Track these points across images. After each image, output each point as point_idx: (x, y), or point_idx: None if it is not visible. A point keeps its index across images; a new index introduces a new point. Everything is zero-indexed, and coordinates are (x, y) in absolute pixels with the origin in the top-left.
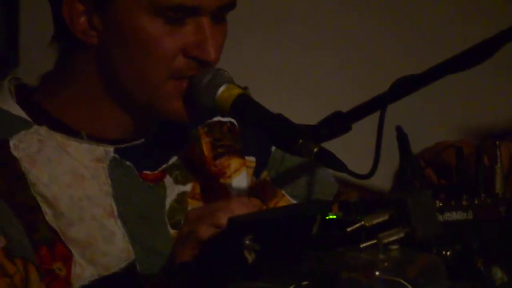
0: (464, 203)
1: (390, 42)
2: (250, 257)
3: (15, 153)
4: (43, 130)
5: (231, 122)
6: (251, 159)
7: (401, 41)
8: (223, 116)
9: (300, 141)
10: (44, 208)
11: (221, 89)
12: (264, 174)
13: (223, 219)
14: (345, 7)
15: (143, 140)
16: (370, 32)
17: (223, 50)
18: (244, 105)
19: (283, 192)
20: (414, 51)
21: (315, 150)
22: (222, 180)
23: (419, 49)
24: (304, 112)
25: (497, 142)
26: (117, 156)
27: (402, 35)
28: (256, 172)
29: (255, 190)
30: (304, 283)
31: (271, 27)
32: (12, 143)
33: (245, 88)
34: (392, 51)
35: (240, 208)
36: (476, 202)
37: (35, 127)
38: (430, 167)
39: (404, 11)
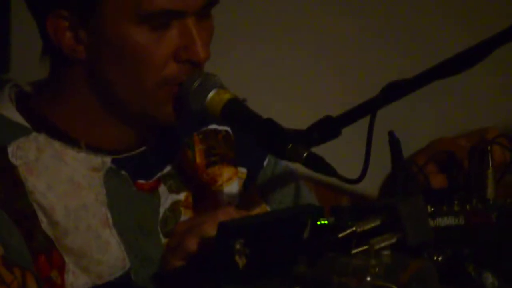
0: (455, 208)
1: (382, 44)
2: (241, 261)
3: (13, 160)
4: (42, 137)
5: (226, 131)
6: (242, 170)
7: (393, 43)
8: (215, 121)
9: (290, 145)
10: (40, 216)
11: (211, 94)
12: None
13: (210, 231)
14: (337, 9)
15: (141, 149)
16: (362, 34)
17: (213, 52)
18: (234, 109)
19: (267, 207)
20: (407, 54)
21: (305, 154)
22: (213, 188)
23: (412, 51)
24: (294, 113)
25: (489, 147)
26: (113, 166)
27: (395, 37)
28: (246, 184)
29: (242, 201)
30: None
31: (261, 29)
32: (10, 149)
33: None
34: (384, 54)
35: (226, 219)
36: (467, 207)
37: (34, 134)
38: (432, 161)
39: (396, 13)
